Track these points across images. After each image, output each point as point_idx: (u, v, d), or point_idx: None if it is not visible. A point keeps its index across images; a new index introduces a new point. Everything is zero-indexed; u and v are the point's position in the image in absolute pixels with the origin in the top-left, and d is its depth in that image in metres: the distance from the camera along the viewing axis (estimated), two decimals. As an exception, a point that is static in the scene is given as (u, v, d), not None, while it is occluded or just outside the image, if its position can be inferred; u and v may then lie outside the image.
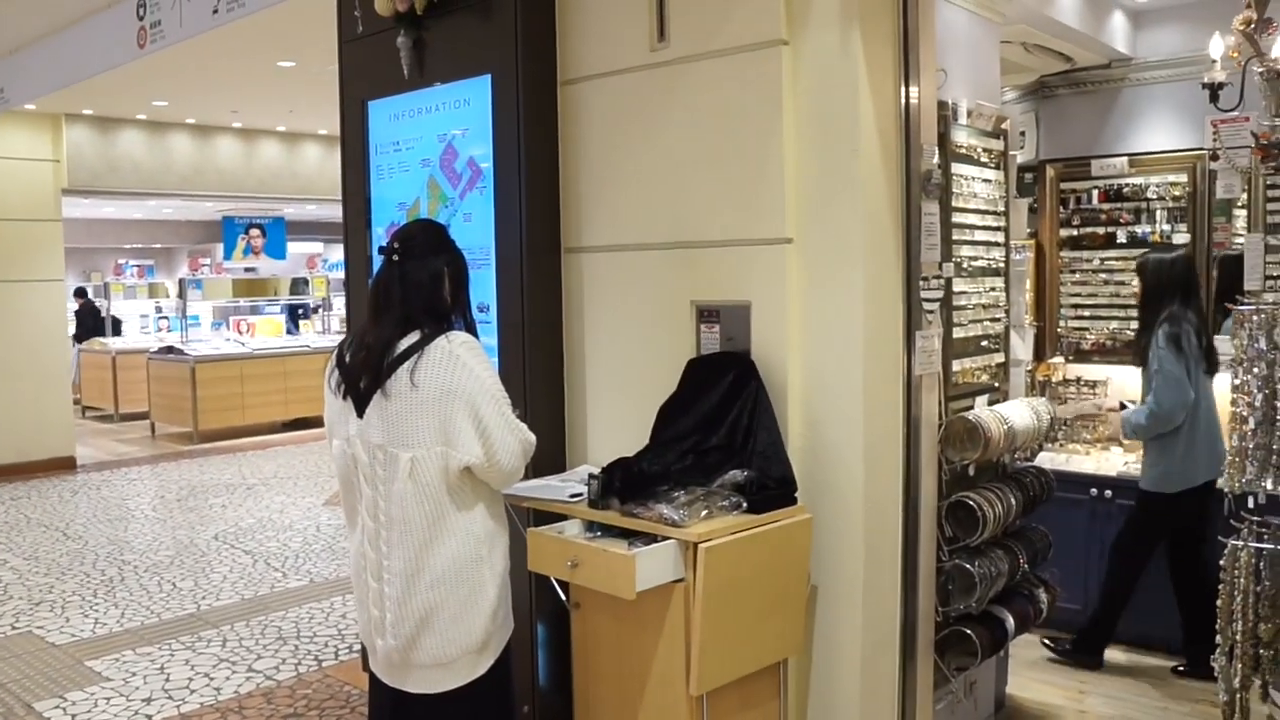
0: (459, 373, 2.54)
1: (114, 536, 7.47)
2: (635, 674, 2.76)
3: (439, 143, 3.90)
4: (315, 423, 12.59)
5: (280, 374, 12.31)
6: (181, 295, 12.70)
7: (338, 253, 22.02)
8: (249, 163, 11.55)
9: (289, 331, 13.19)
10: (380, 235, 4.11)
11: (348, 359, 2.68)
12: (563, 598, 3.07)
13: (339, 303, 17.55)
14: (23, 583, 6.38)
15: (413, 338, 2.58)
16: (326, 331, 14.04)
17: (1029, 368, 4.93)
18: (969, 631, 3.25)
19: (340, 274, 19.77)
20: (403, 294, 2.63)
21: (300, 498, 8.66)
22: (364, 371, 2.62)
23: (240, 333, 12.86)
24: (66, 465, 10.12)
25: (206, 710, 4.40)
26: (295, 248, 16.59)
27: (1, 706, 4.53)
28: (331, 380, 2.72)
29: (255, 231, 12.79)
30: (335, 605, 5.78)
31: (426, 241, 2.72)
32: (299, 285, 17.76)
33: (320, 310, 14.40)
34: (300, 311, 14.13)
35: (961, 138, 3.63)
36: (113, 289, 14.70)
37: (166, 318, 14.73)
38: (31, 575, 6.53)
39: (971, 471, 3.39)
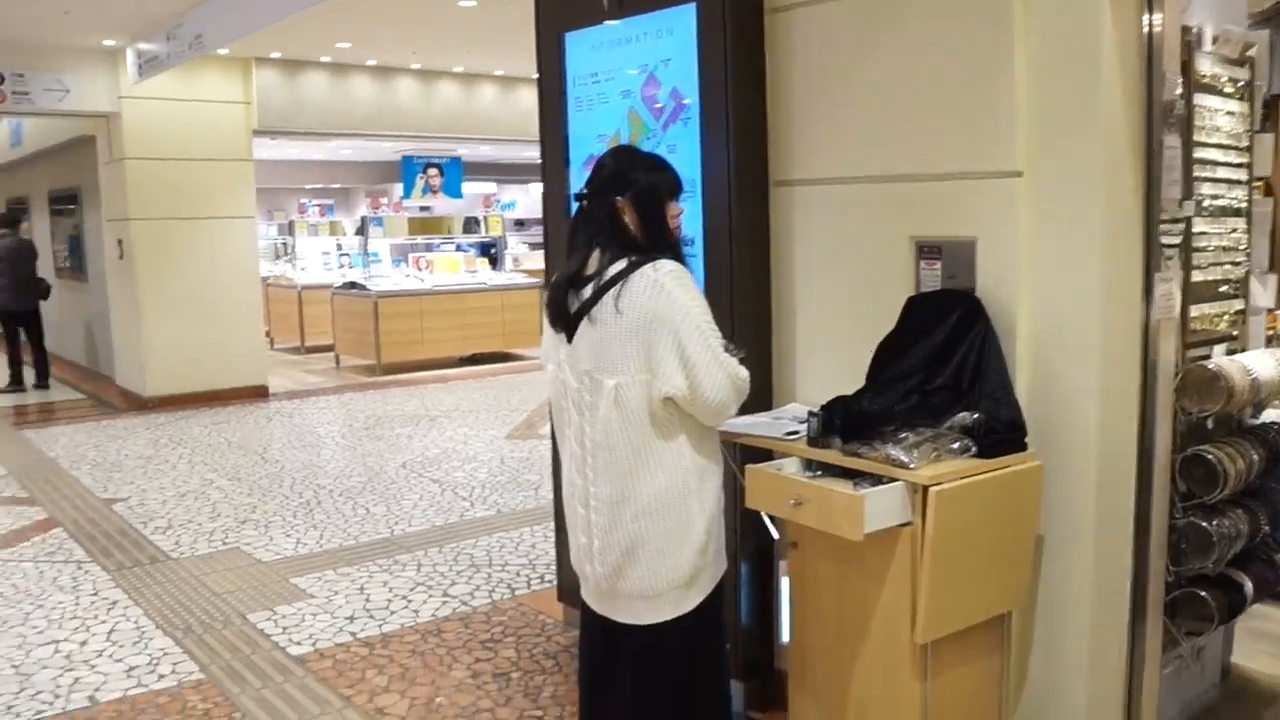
0: (662, 300, 2.50)
1: (308, 461, 7.80)
2: (855, 617, 2.69)
3: (640, 74, 3.83)
4: (493, 359, 12.88)
5: (458, 310, 12.60)
6: (363, 233, 13.09)
7: (510, 193, 22.40)
8: (428, 103, 11.75)
9: (465, 272, 13.46)
10: (579, 169, 4.08)
11: (557, 288, 2.70)
12: (774, 536, 3.01)
13: (514, 241, 17.84)
14: (229, 501, 6.72)
15: (619, 265, 2.56)
16: (502, 269, 14.27)
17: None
18: (1204, 594, 3.06)
19: (513, 214, 20.01)
20: (587, 230, 2.65)
21: (482, 430, 8.86)
22: (569, 299, 2.64)
23: (419, 269, 13.19)
24: (259, 394, 10.61)
25: (407, 631, 4.54)
26: (470, 188, 16.88)
27: (220, 614, 4.79)
28: (548, 310, 2.72)
29: (433, 171, 13.06)
30: (524, 536, 5.89)
31: (612, 172, 2.69)
32: (471, 225, 18.15)
33: (495, 250, 14.65)
34: (492, 250, 14.39)
35: (1205, 66, 3.36)
36: (297, 226, 15.26)
37: (348, 255, 15.22)
38: (236, 495, 6.87)
39: (1210, 424, 3.18)
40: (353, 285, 12.60)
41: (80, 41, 9.72)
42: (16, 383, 11.35)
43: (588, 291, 2.59)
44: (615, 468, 2.60)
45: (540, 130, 4.39)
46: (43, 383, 11.50)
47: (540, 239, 24.39)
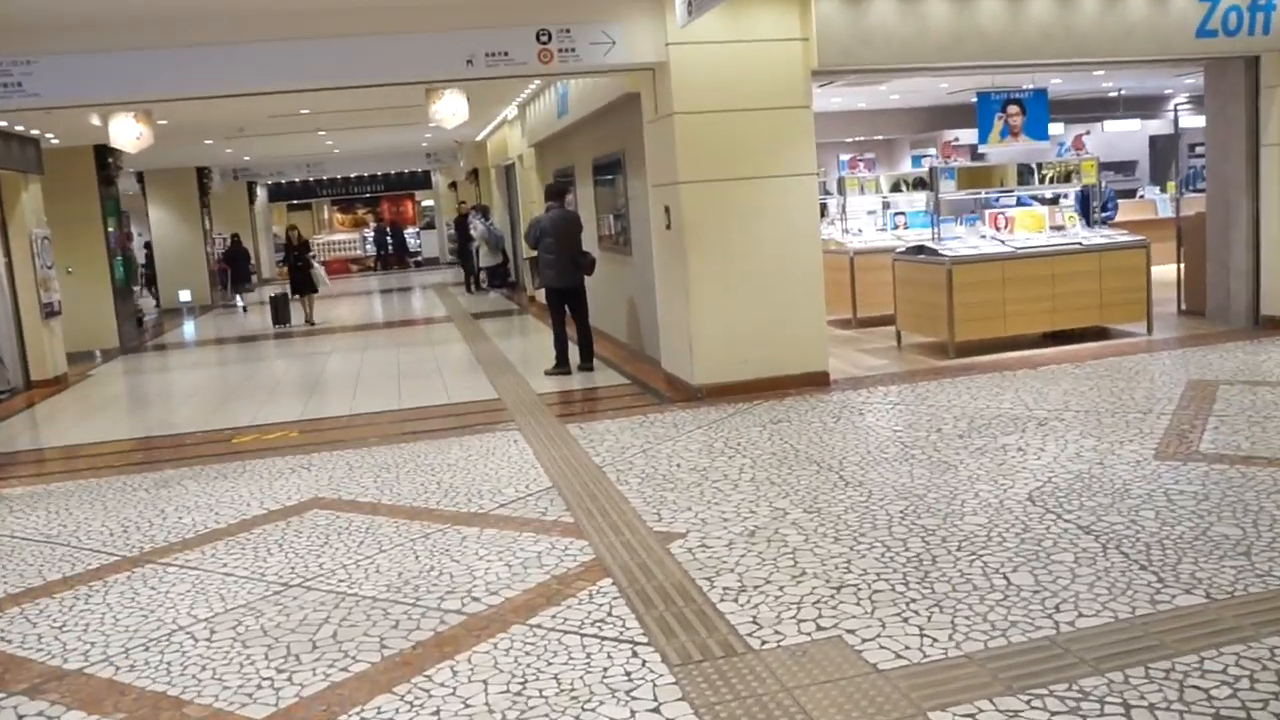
0: None
1: (899, 485, 5.97)
2: None
3: None
4: (1084, 335, 10.38)
5: (1046, 277, 10.22)
6: (932, 186, 11.05)
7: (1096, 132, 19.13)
8: (1015, 23, 9.41)
9: (1050, 229, 10.98)
10: None
11: None
12: None
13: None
14: (811, 548, 5.04)
15: None
16: (1098, 224, 11.60)
17: None
18: None
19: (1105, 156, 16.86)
20: None
21: (1116, 443, 6.54)
22: None
23: (997, 228, 10.95)
24: (819, 382, 9.02)
25: None
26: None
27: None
28: None
29: (1014, 109, 10.77)
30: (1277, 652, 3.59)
31: None
32: (1024, 174, 15.50)
33: (1092, 201, 11.97)
34: (1092, 203, 11.80)
35: None
36: (847, 184, 13.57)
37: (903, 214, 13.30)
38: (818, 537, 5.19)
39: None
40: (920, 250, 10.63)
41: (626, -16, 8.64)
42: (562, 364, 10.72)
43: None
44: None
45: None
46: (587, 364, 10.79)
47: (1129, 186, 20.97)
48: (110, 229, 16.75)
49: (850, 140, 20.04)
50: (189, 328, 20.80)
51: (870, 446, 6.92)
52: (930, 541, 5.01)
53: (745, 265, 8.94)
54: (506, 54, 8.79)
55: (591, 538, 5.47)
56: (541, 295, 11.41)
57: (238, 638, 4.56)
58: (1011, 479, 5.94)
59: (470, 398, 10.00)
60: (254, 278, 27.38)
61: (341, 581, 5.16)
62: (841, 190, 13.61)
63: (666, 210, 9.23)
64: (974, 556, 4.77)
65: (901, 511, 5.49)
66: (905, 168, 18.40)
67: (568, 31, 8.82)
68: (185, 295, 24.49)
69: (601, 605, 4.54)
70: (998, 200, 14.38)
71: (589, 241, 11.55)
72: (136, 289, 21.05)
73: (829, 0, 8.91)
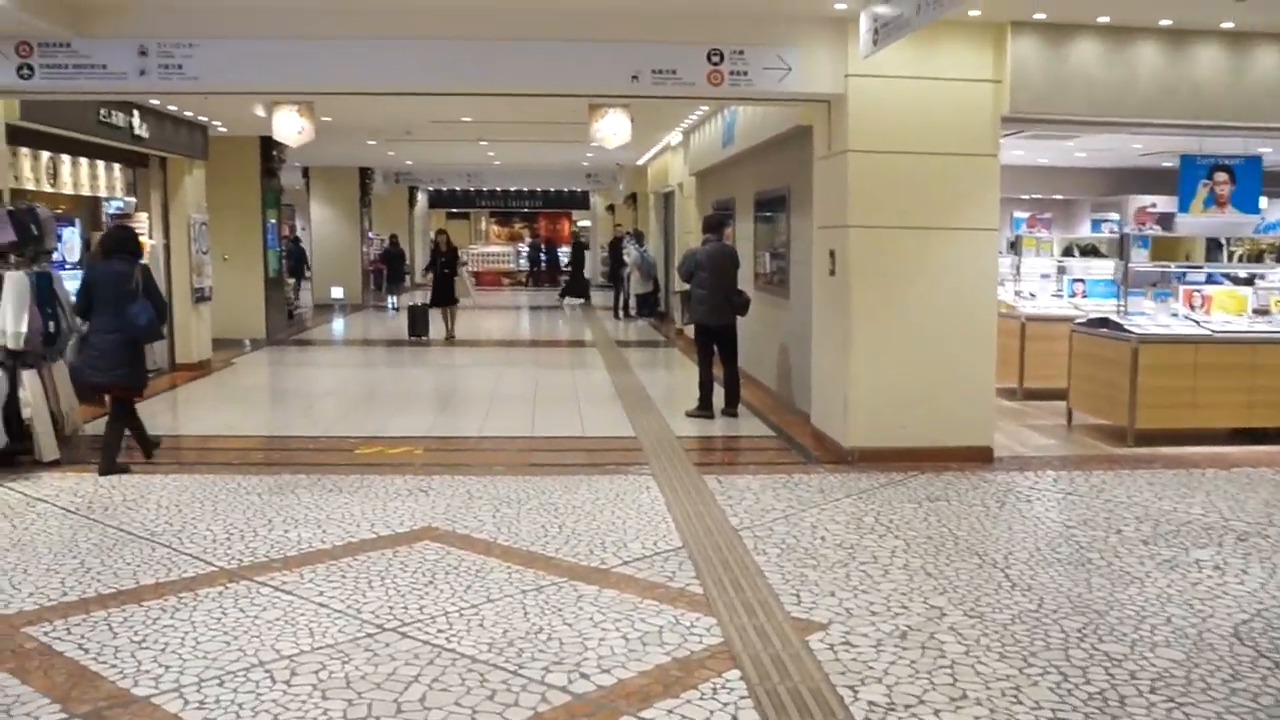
0: None
1: (1075, 596, 5.18)
2: None
3: None
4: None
5: (1246, 366, 9.18)
6: (1123, 255, 10.14)
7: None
8: (1236, 79, 8.48)
9: (1252, 313, 9.92)
10: None
11: None
12: None
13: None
14: (974, 664, 4.31)
15: None
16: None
17: None
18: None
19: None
20: None
21: (1339, 575, 5.62)
22: None
23: (1192, 307, 9.95)
24: (982, 457, 8.22)
25: None
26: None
27: None
28: None
29: (1222, 176, 9.77)
30: None
31: None
32: (1212, 249, 14.29)
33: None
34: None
35: None
36: (1024, 244, 12.67)
37: (1082, 281, 12.32)
38: (982, 650, 4.46)
39: None
40: (1102, 323, 9.71)
41: (809, 7, 8.06)
42: (705, 407, 10.13)
43: None
44: None
45: None
46: (731, 410, 10.19)
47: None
48: (270, 220, 16.95)
49: (1025, 197, 18.98)
50: (336, 325, 21.00)
51: (1039, 542, 6.12)
52: (1115, 675, 4.24)
53: (912, 322, 8.23)
54: (674, 72, 8.32)
55: (721, 616, 4.86)
56: (690, 331, 10.86)
57: (319, 685, 4.11)
58: (1210, 605, 5.10)
59: (605, 432, 9.50)
60: (407, 279, 27.69)
61: (441, 632, 4.68)
62: (1017, 250, 12.72)
63: (831, 255, 8.60)
64: (1172, 704, 3.99)
65: (1079, 630, 4.73)
66: (1083, 231, 17.28)
67: (741, 53, 8.31)
68: (338, 292, 24.84)
69: (726, 705, 3.93)
70: (1184, 276, 13.28)
71: (744, 279, 10.98)
72: (291, 281, 21.39)
73: (1027, 39, 8.17)
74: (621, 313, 21.95)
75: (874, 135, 8.21)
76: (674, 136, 17.10)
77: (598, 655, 4.40)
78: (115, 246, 7.98)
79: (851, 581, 5.35)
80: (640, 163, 23.03)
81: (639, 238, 22.27)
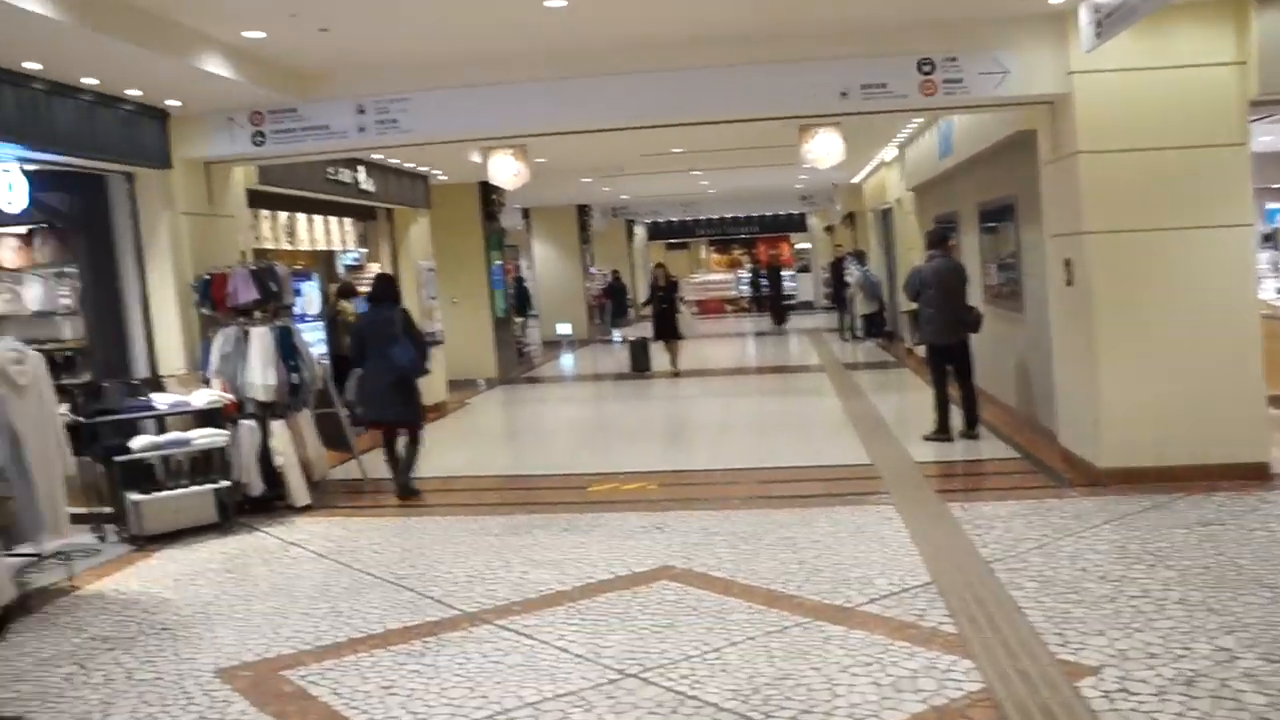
0: None
1: (1386, 632, 4.62)
2: None
3: None
4: None
5: None
6: None
7: None
8: None
9: None
10: None
11: None
12: None
13: None
14: None
15: None
16: None
17: None
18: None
19: None
20: None
21: None
22: None
23: None
24: (1255, 474, 7.49)
25: None
26: None
27: None
28: None
29: None
30: None
31: None
32: None
33: None
34: None
35: None
36: (1285, 235, 11.66)
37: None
38: (1282, 700, 4.02)
39: None
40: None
41: (1023, 6, 7.66)
42: (943, 430, 9.70)
43: None
44: None
45: None
46: (971, 431, 9.73)
47: None
48: (495, 261, 17.52)
49: (1277, 187, 17.47)
50: (564, 361, 21.48)
51: (1331, 569, 5.51)
52: None
53: (1163, 330, 7.63)
54: (884, 86, 8.07)
55: (979, 658, 4.57)
56: (921, 351, 10.48)
57: (563, 736, 4.11)
58: None
59: (840, 461, 9.22)
60: (630, 312, 28.16)
61: (684, 678, 4.59)
62: (1276, 243, 11.69)
63: (1068, 264, 8.10)
64: None
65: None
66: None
67: (954, 60, 7.98)
68: (564, 328, 25.46)
69: (991, 761, 3.68)
70: None
71: (973, 294, 10.52)
72: (520, 320, 22.08)
73: (1274, 13, 7.46)
74: (848, 334, 21.53)
75: (1105, 134, 7.70)
76: (888, 151, 16.67)
77: (849, 703, 4.20)
78: (379, 295, 8.93)
79: (1122, 619, 4.93)
80: (855, 181, 22.61)
81: (860, 257, 21.82)
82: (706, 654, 4.85)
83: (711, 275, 37.28)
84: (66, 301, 8.75)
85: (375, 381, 8.62)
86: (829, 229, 31.09)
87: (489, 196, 17.18)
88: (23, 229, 8.83)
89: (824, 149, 9.28)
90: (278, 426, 8.43)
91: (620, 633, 5.21)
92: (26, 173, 7.61)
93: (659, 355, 17.50)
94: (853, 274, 20.94)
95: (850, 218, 26.21)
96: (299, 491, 8.44)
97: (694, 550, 6.60)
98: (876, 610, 5.28)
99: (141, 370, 8.70)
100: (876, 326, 20.33)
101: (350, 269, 14.47)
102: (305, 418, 8.85)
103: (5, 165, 7.40)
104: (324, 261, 13.46)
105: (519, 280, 27.06)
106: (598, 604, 5.68)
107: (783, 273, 30.26)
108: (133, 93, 7.97)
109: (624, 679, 4.63)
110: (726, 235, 36.46)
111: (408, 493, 8.65)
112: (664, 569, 6.25)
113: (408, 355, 8.52)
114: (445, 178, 15.25)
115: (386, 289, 8.99)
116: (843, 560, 6.16)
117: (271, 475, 8.35)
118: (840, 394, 13.36)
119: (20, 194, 7.55)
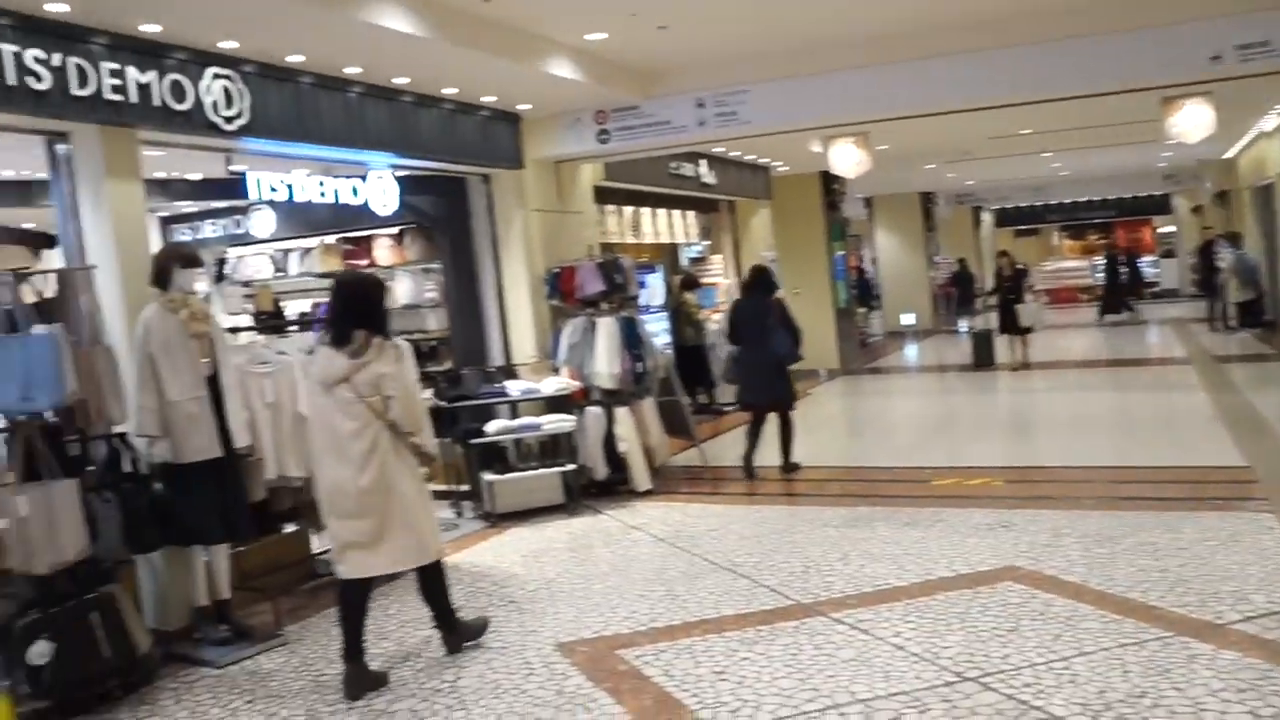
0: None
1: None
2: None
3: None
4: None
5: None
6: None
7: None
8: None
9: None
10: None
11: None
12: None
13: None
14: None
15: None
16: None
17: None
18: None
19: None
20: None
21: None
22: None
23: None
24: None
25: None
26: None
27: None
28: None
29: None
30: None
31: None
32: None
33: None
34: None
35: None
36: None
37: None
38: None
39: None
40: None
41: None
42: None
43: None
44: None
45: None
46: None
47: None
48: (838, 251, 17.31)
49: None
50: (907, 352, 20.93)
51: None
52: None
53: None
54: (1266, 44, 7.19)
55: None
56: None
57: (894, 737, 3.94)
58: None
59: (1210, 462, 8.33)
60: (978, 302, 27.04)
61: (1027, 686, 4.28)
62: None
63: None
64: None
65: None
66: None
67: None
68: (909, 319, 24.80)
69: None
70: None
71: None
72: (862, 311, 21.72)
73: None
74: (1219, 324, 19.50)
75: None
76: (1269, 120, 14.91)
77: (1222, 733, 3.76)
78: (752, 285, 9.40)
79: None
80: (1228, 156, 20.45)
81: (1234, 240, 19.67)
82: (1053, 662, 4.51)
83: (1064, 263, 34.99)
84: (431, 295, 9.53)
85: (753, 368, 9.04)
86: (1196, 209, 28.34)
87: (830, 186, 16.99)
88: (395, 229, 9.71)
89: (1192, 121, 8.44)
90: (622, 413, 8.73)
91: (959, 633, 4.95)
92: (397, 178, 8.33)
93: (1005, 348, 16.52)
94: (1225, 258, 18.91)
95: (1222, 196, 23.72)
96: (641, 476, 8.70)
97: (1042, 551, 6.17)
98: (1253, 630, 4.69)
99: (496, 358, 9.33)
100: (1253, 315, 18.26)
101: (693, 261, 14.78)
102: (648, 405, 9.12)
103: (380, 173, 8.12)
104: (668, 254, 13.84)
105: (860, 270, 26.67)
106: (937, 602, 5.44)
107: (1139, 260, 28.02)
108: (488, 99, 8.54)
109: (961, 682, 4.39)
110: (1080, 220, 34.10)
111: (790, 468, 9.12)
112: (1009, 569, 5.89)
113: (785, 345, 8.91)
114: (786, 168, 15.25)
115: (759, 280, 9.35)
116: (1212, 571, 5.53)
117: (615, 460, 8.65)
118: (1209, 389, 12.06)
119: (393, 198, 8.26)
